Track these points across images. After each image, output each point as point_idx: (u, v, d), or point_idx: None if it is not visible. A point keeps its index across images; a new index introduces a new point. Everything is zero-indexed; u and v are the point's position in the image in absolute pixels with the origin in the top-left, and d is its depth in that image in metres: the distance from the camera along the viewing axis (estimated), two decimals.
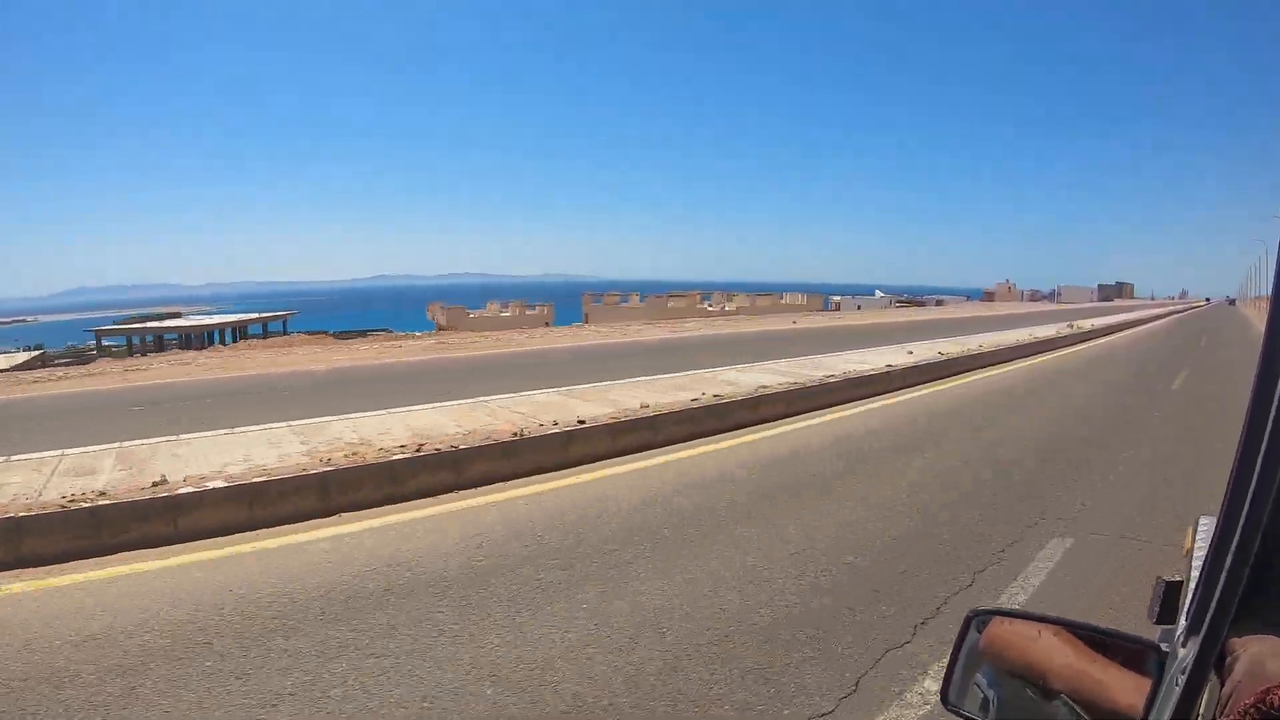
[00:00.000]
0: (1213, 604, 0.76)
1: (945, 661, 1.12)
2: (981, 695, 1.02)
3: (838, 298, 58.23)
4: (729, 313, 40.11)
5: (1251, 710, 0.67)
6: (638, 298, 39.22)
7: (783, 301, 45.91)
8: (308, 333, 35.69)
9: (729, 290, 49.59)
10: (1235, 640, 0.81)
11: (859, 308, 53.05)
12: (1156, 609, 1.06)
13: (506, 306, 37.02)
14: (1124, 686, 0.90)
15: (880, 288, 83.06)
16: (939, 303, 70.51)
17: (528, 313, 34.73)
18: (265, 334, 44.11)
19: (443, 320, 34.21)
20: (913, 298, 74.84)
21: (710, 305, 42.08)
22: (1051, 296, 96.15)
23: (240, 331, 45.18)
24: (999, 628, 1.05)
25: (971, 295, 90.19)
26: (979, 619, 1.08)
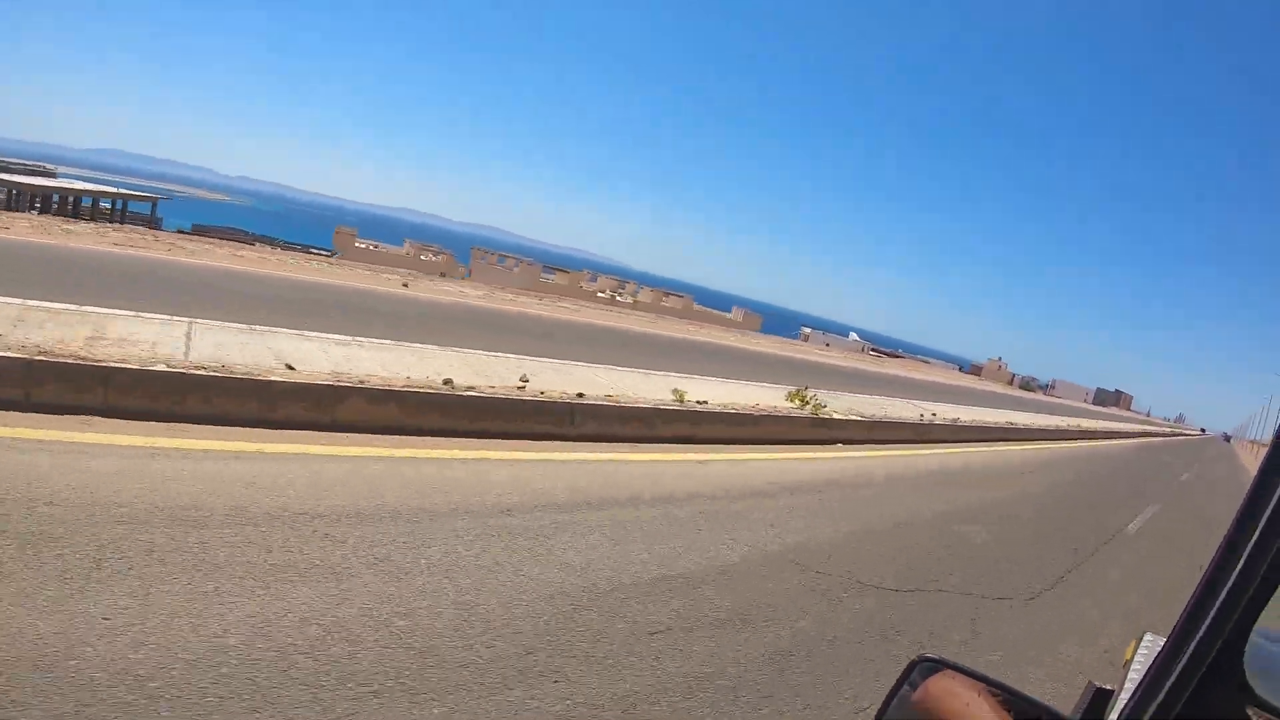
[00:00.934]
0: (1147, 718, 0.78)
1: None
2: None
3: (808, 329, 54.57)
4: (621, 304, 36.08)
5: None
6: (513, 262, 36.62)
7: (716, 314, 42.38)
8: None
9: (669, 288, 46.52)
10: None
11: (827, 345, 48.91)
12: (1080, 714, 1.03)
13: (425, 249, 35.02)
14: None
15: (858, 331, 78.95)
16: (925, 362, 66.37)
17: (424, 257, 31.64)
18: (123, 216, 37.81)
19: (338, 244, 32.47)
20: (893, 350, 70.29)
21: (602, 289, 38.68)
22: (1045, 388, 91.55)
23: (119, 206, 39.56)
24: (937, 684, 0.99)
25: (962, 365, 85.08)
26: (924, 666, 1.03)
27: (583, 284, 37.97)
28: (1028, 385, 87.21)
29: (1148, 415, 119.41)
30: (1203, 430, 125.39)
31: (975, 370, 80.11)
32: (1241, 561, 0.71)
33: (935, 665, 1.02)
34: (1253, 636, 0.88)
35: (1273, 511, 0.70)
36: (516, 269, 34.59)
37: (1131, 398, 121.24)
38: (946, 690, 0.97)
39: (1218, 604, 0.73)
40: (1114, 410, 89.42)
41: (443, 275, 28.31)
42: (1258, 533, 0.70)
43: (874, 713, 1.02)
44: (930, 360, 72.72)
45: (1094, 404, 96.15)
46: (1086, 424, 31.62)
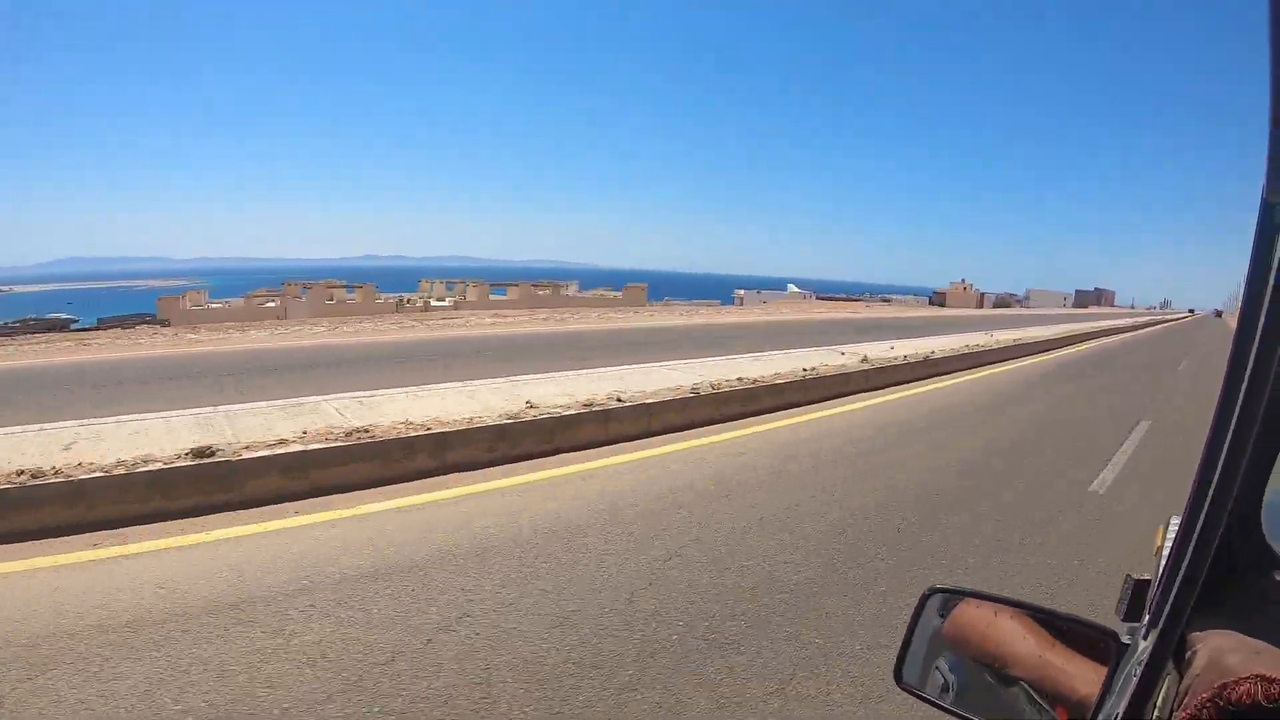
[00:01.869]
0: (1170, 598, 0.79)
1: None
2: (942, 679, 1.03)
3: (741, 291, 50.60)
4: (434, 309, 31.60)
5: (1208, 704, 0.71)
6: (324, 289, 33.53)
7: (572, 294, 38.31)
8: None
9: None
10: (1196, 635, 0.83)
11: (764, 303, 44.86)
12: (1124, 606, 1.01)
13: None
14: (1083, 675, 0.91)
15: (799, 282, 74.58)
16: (886, 301, 62.28)
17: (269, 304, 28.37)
18: None
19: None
20: (851, 296, 66.01)
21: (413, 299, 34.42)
22: (1022, 301, 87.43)
23: None
24: (963, 612, 1.05)
25: (934, 298, 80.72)
26: (935, 596, 1.09)
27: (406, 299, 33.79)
28: (1005, 302, 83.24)
29: (1132, 307, 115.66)
30: (1191, 311, 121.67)
31: (939, 297, 75.30)
32: (1231, 429, 0.73)
33: (948, 595, 1.09)
34: (1271, 499, 0.95)
35: (1252, 374, 0.72)
36: (304, 298, 31.22)
37: (1114, 293, 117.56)
38: (972, 616, 1.03)
39: (1217, 475, 0.74)
40: (1092, 310, 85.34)
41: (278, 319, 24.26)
42: (1241, 397, 0.72)
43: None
44: (893, 298, 68.64)
45: (1074, 306, 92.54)
46: (1057, 331, 27.89)
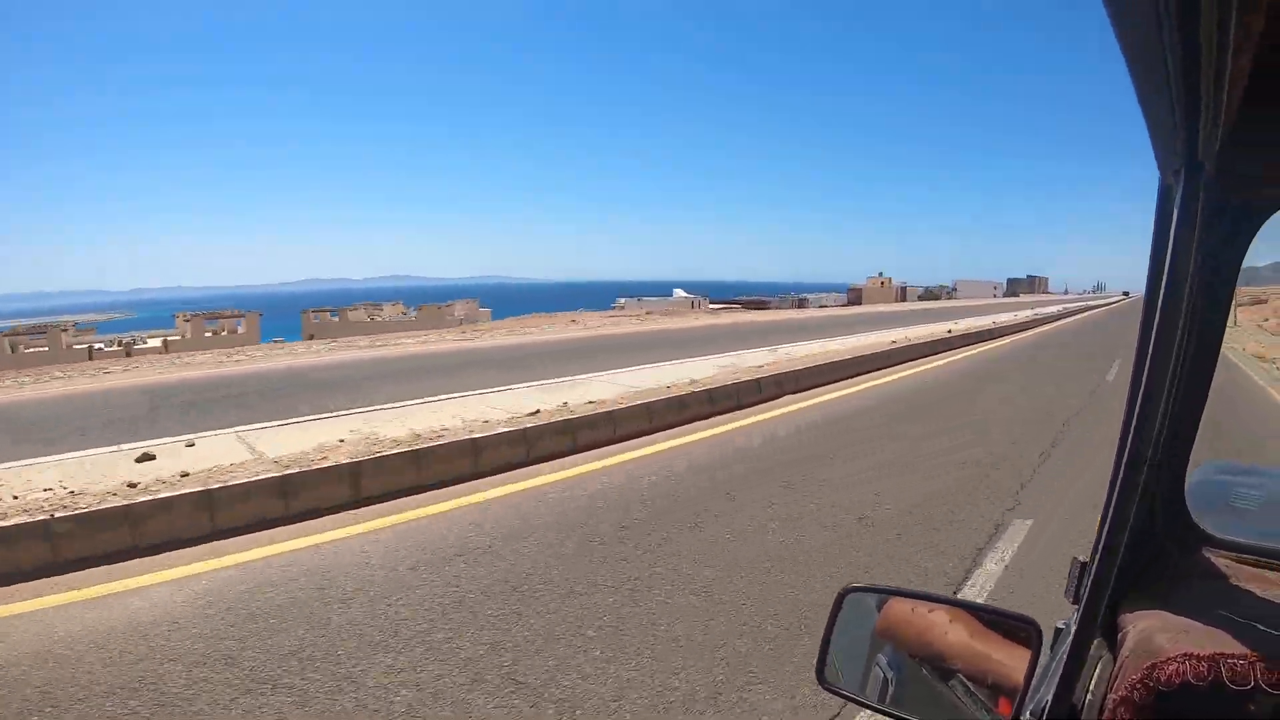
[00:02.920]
0: (1089, 581, 0.80)
1: None
2: (882, 675, 1.04)
3: (622, 300, 44.84)
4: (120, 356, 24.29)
5: (1139, 685, 0.74)
6: None
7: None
8: None
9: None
10: (1126, 616, 0.85)
11: (647, 313, 38.72)
12: (1072, 589, 1.03)
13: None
14: (1017, 664, 0.91)
15: (685, 286, 69.43)
16: (801, 302, 56.86)
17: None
18: None
19: None
20: (761, 299, 60.30)
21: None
22: (951, 292, 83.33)
23: None
24: (893, 609, 1.07)
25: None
26: (852, 596, 1.10)
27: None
28: (934, 295, 79.01)
29: (1065, 293, 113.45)
30: (1126, 294, 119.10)
31: (855, 293, 69.37)
32: (1137, 408, 0.75)
33: (864, 594, 1.11)
34: (1199, 477, 1.07)
35: (1160, 355, 0.73)
36: None
37: (1047, 280, 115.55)
38: (905, 612, 1.05)
39: (1129, 457, 0.76)
40: (1023, 299, 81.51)
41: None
42: (1145, 377, 0.73)
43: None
44: (810, 297, 63.33)
45: (1006, 295, 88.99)
46: (967, 325, 22.72)
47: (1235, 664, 0.72)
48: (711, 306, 44.91)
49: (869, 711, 1.04)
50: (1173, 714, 0.73)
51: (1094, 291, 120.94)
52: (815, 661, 1.09)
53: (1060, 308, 44.52)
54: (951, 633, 0.99)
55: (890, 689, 1.02)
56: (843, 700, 1.09)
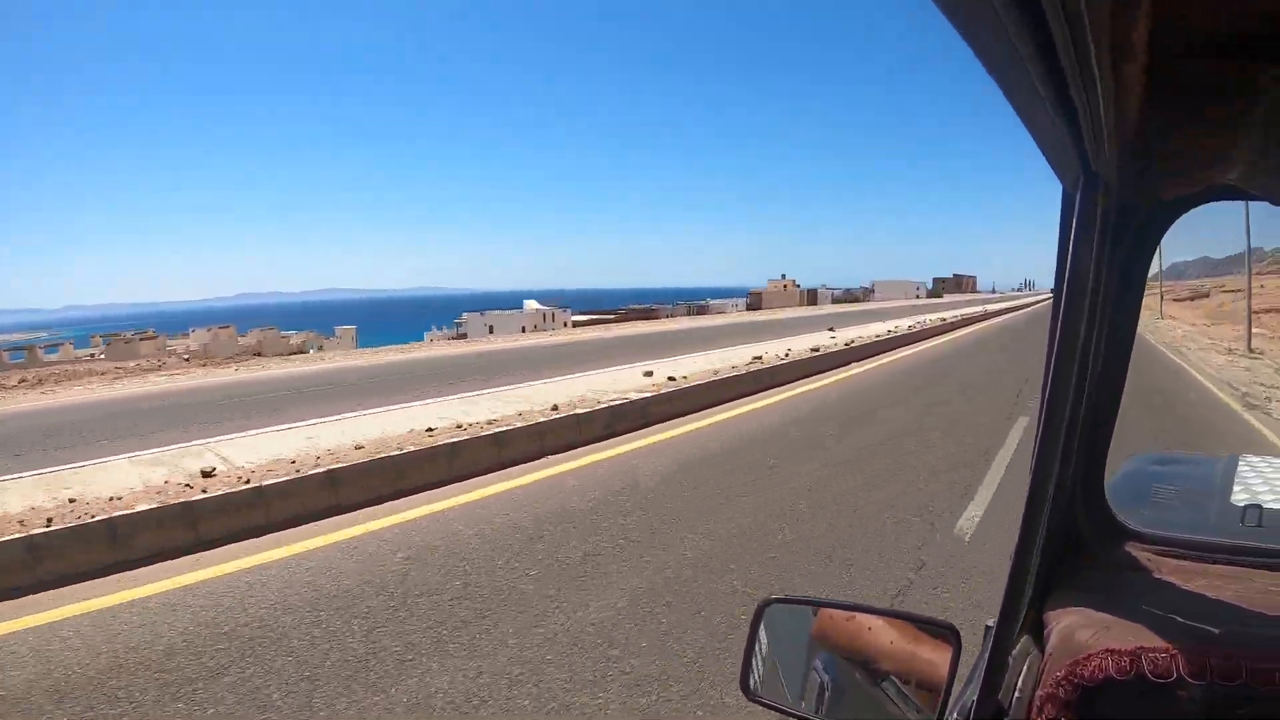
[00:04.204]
0: (1006, 581, 0.82)
1: None
2: (819, 680, 1.06)
3: (462, 317, 38.73)
4: None
5: (1064, 682, 0.75)
6: None
7: None
8: None
9: None
10: (1050, 614, 0.86)
11: (490, 329, 32.25)
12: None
13: None
14: (945, 663, 0.93)
15: (540, 296, 63.96)
16: (701, 309, 51.17)
17: None
18: None
19: None
20: (644, 308, 54.03)
21: None
22: (870, 294, 78.75)
23: None
24: (827, 616, 1.10)
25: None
26: (772, 607, 1.13)
27: None
28: (854, 297, 74.74)
29: (993, 291, 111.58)
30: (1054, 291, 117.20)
31: (755, 299, 63.16)
32: (1047, 409, 0.77)
33: (782, 604, 1.14)
34: (1129, 468, 1.22)
35: (1065, 355, 0.75)
36: None
37: (975, 279, 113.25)
38: (838, 620, 1.07)
39: (1039, 457, 0.77)
40: (945, 299, 77.65)
41: None
42: (1050, 377, 0.76)
43: None
44: (711, 303, 57.55)
45: (930, 296, 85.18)
46: (851, 337, 17.53)
47: (1156, 657, 0.73)
48: (574, 319, 38.49)
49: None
50: (1099, 708, 0.75)
51: (1023, 289, 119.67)
52: (739, 674, 1.09)
53: (982, 308, 39.86)
54: (883, 637, 1.01)
55: (827, 693, 1.03)
56: (766, 709, 1.08)
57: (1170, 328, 27.19)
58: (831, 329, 21.44)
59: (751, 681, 1.08)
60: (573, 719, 2.83)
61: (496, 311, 42.24)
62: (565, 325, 34.28)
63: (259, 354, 38.40)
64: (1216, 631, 0.76)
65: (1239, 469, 1.55)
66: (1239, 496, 1.36)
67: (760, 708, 1.08)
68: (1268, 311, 25.73)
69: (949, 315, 30.42)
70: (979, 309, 39.02)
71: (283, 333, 40.28)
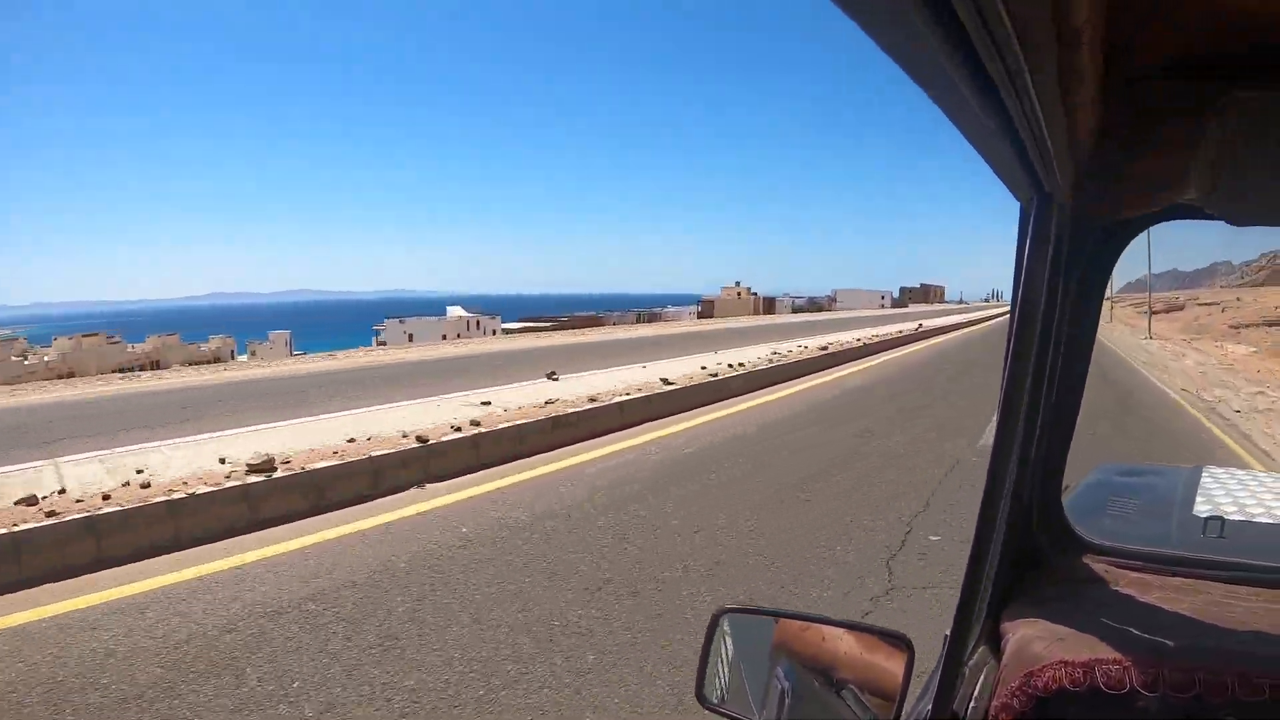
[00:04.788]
0: (961, 588, 0.82)
1: None
2: (780, 688, 1.07)
3: (382, 325, 36.02)
4: None
5: (1018, 692, 0.75)
6: None
7: None
8: None
9: None
10: (1007, 625, 0.87)
11: (410, 337, 29.27)
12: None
13: None
14: (899, 675, 0.93)
15: (465, 302, 61.35)
16: (655, 317, 48.36)
17: None
18: None
19: None
20: (588, 316, 50.56)
21: None
22: (832, 303, 76.11)
23: None
24: (788, 626, 1.11)
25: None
26: (728, 616, 1.13)
27: None
28: (819, 305, 72.45)
29: (960, 302, 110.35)
30: None
31: (707, 306, 59.52)
32: (1001, 421, 0.78)
33: (737, 614, 1.15)
34: (1093, 478, 1.18)
35: (1012, 374, 0.76)
36: None
37: (943, 288, 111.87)
38: (798, 629, 1.09)
39: (992, 468, 0.78)
40: (911, 309, 75.33)
41: None
42: (1004, 401, 0.77)
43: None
44: (667, 310, 54.66)
45: (894, 306, 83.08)
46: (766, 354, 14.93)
47: (1109, 669, 0.74)
48: (505, 328, 35.52)
49: None
50: (1055, 719, 0.76)
51: (988, 300, 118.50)
52: (695, 683, 1.09)
53: (946, 320, 37.57)
54: (840, 646, 1.01)
55: (787, 701, 1.04)
56: (721, 717, 1.09)
57: (1174, 357, 20.10)
58: (755, 356, 18.69)
59: (707, 689, 1.09)
60: None
61: (417, 318, 39.52)
62: (494, 333, 31.36)
63: (156, 364, 35.26)
64: (1170, 644, 0.78)
65: (1202, 480, 1.56)
66: (1201, 508, 1.37)
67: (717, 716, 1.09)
68: (1249, 326, 23.54)
69: (900, 328, 27.90)
70: (939, 321, 36.70)
71: (189, 342, 37.95)
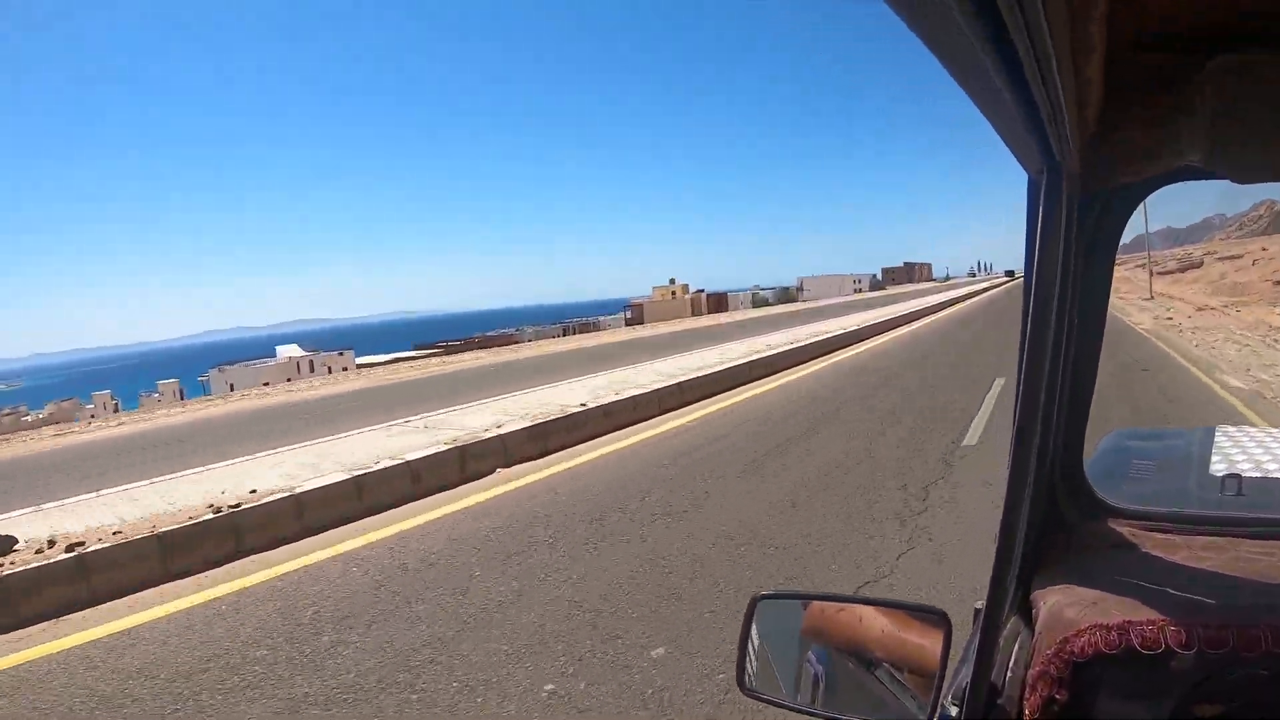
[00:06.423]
0: (994, 561, 0.80)
1: None
2: (813, 672, 1.05)
3: (210, 372, 30.46)
4: None
5: (1054, 659, 0.76)
6: None
7: None
8: None
9: None
10: (1038, 593, 0.87)
11: (231, 386, 23.60)
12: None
13: None
14: (936, 649, 0.92)
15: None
16: (589, 327, 42.46)
17: None
18: None
19: None
20: (500, 334, 43.61)
21: None
22: (800, 293, 69.28)
23: None
24: (818, 609, 1.08)
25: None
26: (763, 603, 1.11)
27: None
28: (790, 296, 66.61)
29: (946, 279, 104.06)
30: (1010, 274, 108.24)
31: (635, 310, 50.30)
32: (1023, 391, 0.76)
33: (772, 599, 1.12)
34: (1108, 444, 1.13)
35: (1033, 342, 0.75)
36: None
37: (929, 266, 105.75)
38: (828, 611, 1.06)
39: (1016, 439, 0.76)
40: (890, 291, 68.95)
41: None
42: (1026, 357, 0.75)
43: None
44: (600, 320, 48.07)
45: (871, 290, 76.89)
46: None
47: (1144, 629, 0.73)
48: (360, 362, 29.59)
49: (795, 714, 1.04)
50: (1091, 682, 0.76)
51: (973, 274, 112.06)
52: (735, 671, 1.09)
53: (920, 302, 31.74)
54: (874, 626, 1.00)
55: (821, 685, 1.03)
56: (764, 704, 1.07)
57: (1194, 332, 14.14)
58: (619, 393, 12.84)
59: (746, 677, 1.08)
60: None
61: (243, 364, 34.11)
62: (345, 370, 25.69)
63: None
64: (1202, 601, 0.77)
65: (1216, 440, 1.54)
66: (1217, 467, 1.36)
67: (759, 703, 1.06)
68: None
69: (864, 317, 22.03)
70: (911, 305, 30.59)
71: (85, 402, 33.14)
